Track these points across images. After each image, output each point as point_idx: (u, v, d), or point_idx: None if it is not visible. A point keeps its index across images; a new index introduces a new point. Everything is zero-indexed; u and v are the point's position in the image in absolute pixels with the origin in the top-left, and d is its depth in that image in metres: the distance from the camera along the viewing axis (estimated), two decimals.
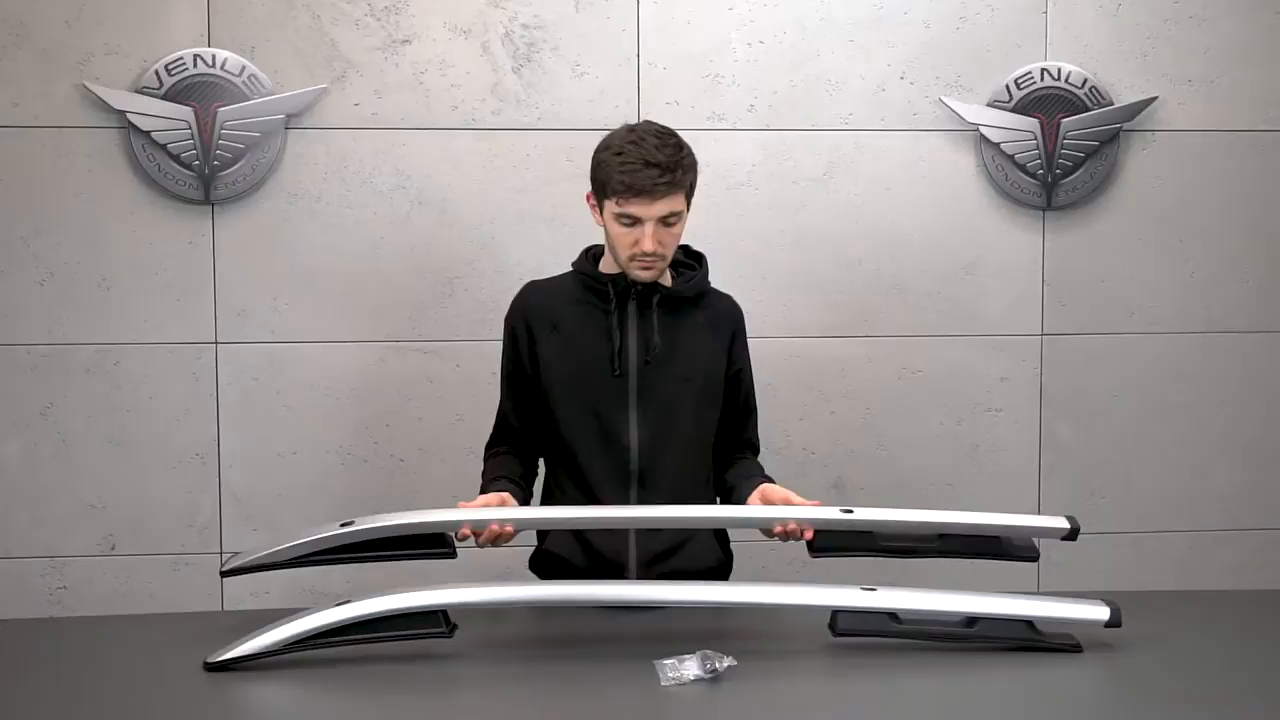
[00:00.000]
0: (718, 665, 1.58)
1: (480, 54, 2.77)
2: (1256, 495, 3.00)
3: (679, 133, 1.98)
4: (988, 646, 1.70)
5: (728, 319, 2.11)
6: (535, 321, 2.05)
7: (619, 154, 1.92)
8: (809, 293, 2.88)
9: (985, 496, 2.91)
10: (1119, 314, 2.95)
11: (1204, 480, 2.99)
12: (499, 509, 1.85)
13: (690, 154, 1.97)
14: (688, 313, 2.07)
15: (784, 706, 1.53)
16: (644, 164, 1.90)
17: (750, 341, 2.13)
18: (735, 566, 2.17)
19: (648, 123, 2.01)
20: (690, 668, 1.58)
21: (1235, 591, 2.58)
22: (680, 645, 1.63)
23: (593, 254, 2.10)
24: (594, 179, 1.98)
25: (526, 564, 2.13)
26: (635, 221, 1.93)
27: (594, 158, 1.98)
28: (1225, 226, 2.96)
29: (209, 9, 2.70)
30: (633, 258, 1.96)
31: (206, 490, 2.77)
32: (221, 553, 2.73)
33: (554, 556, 2.07)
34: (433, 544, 1.74)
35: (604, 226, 1.99)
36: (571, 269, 2.10)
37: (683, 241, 2.13)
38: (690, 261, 2.11)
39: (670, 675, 1.58)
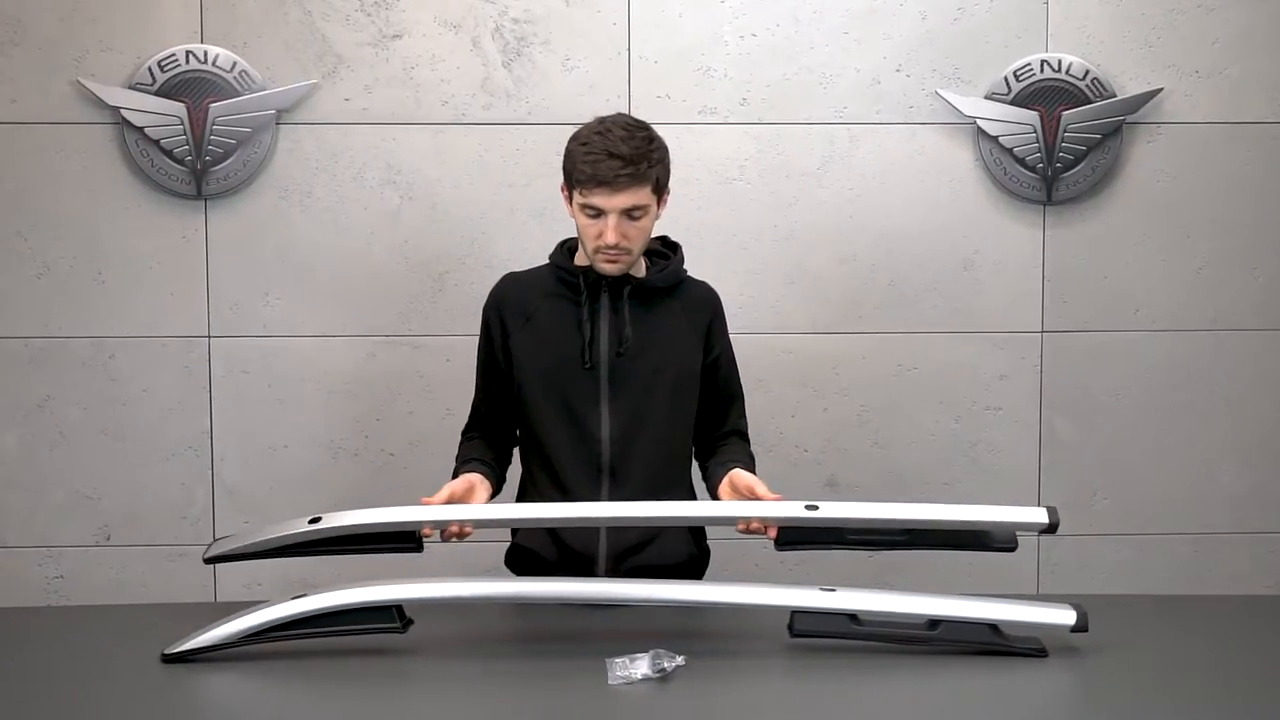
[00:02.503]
0: (667, 665, 1.57)
1: (470, 49, 2.76)
2: (1263, 498, 2.92)
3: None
4: (950, 650, 1.67)
5: (703, 306, 2.09)
6: (508, 313, 2.05)
7: (584, 144, 1.92)
8: (802, 288, 2.84)
9: (983, 496, 2.85)
10: (1122, 310, 2.88)
11: (1209, 482, 2.92)
12: (451, 507, 1.84)
13: (660, 148, 1.95)
14: (662, 303, 2.05)
15: (727, 707, 1.51)
16: (607, 155, 1.89)
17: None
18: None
19: (619, 115, 2.00)
20: (640, 667, 1.57)
21: (1214, 596, 2.53)
22: (638, 643, 1.62)
23: (568, 246, 2.09)
24: (564, 169, 1.98)
25: (503, 560, 2.12)
26: (599, 213, 1.93)
27: (565, 148, 1.97)
28: (1233, 221, 2.88)
29: (201, 6, 2.71)
30: (597, 250, 1.96)
31: (200, 483, 2.80)
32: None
33: (527, 551, 2.07)
34: (400, 539, 1.77)
35: (574, 218, 1.98)
36: (548, 261, 2.09)
37: (665, 232, 2.12)
38: (665, 251, 2.10)
39: (619, 674, 1.56)
